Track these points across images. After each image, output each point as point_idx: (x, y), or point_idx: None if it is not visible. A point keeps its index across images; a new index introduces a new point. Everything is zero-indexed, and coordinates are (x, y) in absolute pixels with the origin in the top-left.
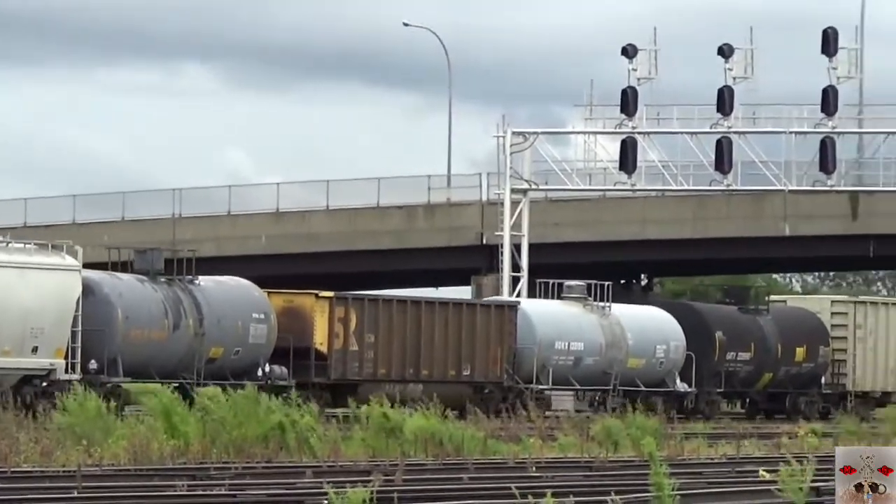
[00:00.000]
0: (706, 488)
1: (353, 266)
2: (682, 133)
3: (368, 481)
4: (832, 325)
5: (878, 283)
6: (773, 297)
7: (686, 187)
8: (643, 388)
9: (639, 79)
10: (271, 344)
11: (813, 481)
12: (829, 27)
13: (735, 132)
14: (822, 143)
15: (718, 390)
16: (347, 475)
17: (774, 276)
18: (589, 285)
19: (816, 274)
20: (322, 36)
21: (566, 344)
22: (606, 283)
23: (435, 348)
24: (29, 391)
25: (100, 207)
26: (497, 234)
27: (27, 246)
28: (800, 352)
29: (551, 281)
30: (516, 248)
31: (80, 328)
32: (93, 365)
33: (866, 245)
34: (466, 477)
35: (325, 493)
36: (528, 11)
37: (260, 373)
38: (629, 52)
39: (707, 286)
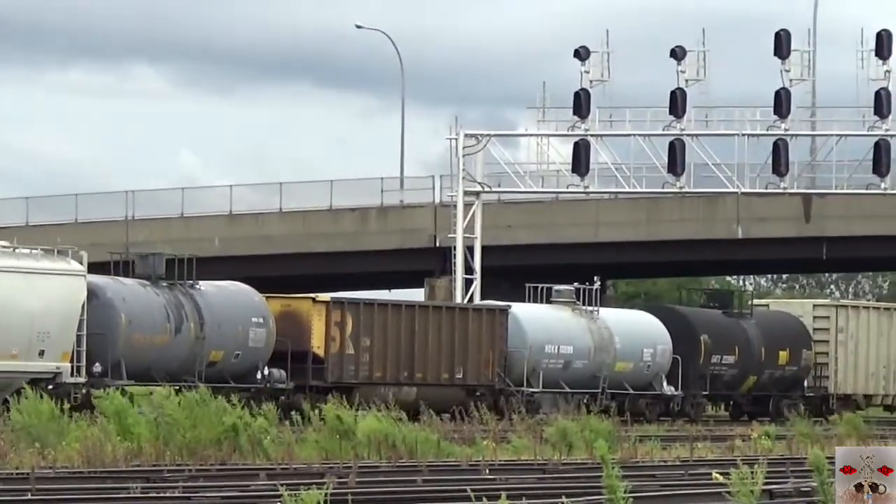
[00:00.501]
0: (659, 491)
1: (306, 268)
2: (634, 135)
3: (322, 483)
4: (814, 329)
5: (832, 286)
6: (756, 301)
7: (639, 190)
8: (631, 391)
9: (591, 81)
10: (270, 347)
11: (766, 484)
12: (782, 29)
13: (688, 134)
14: (775, 145)
15: (704, 393)
16: (301, 477)
17: (728, 278)
18: (578, 289)
19: (769, 276)
20: (274, 38)
21: (556, 347)
22: (594, 286)
23: (428, 352)
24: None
25: (52, 210)
26: (450, 236)
27: (33, 251)
28: (783, 355)
29: (540, 285)
30: (469, 250)
31: (85, 332)
32: (97, 368)
33: (819, 247)
34: (420, 479)
35: (280, 496)
36: (480, 14)
37: (259, 376)
38: (582, 54)
39: (691, 290)
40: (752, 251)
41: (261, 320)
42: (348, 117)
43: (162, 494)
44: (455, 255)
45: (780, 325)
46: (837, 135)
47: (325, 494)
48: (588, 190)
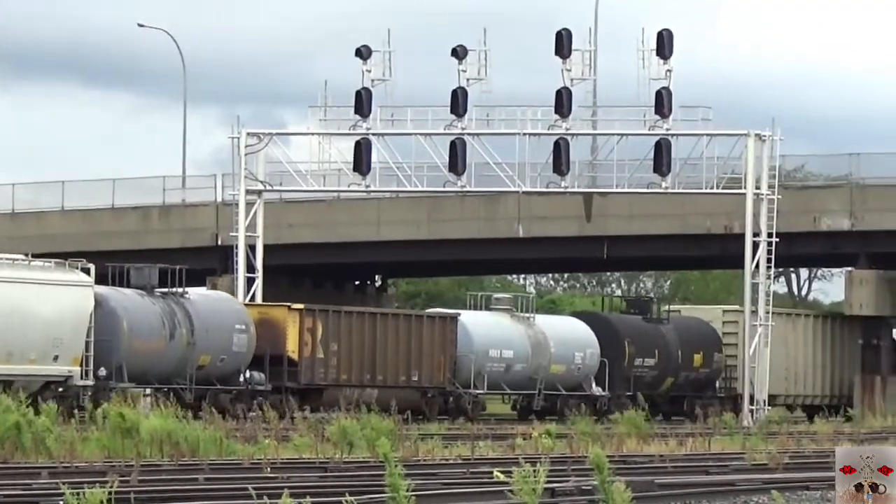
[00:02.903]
0: (441, 489)
1: None
2: (415, 134)
3: (105, 482)
4: (724, 333)
5: (613, 285)
6: (671, 307)
7: (420, 189)
8: (563, 392)
9: (373, 80)
10: (251, 352)
11: (547, 482)
12: (563, 29)
13: (469, 133)
14: (556, 144)
15: (628, 393)
16: (83, 476)
17: (509, 277)
18: (515, 297)
19: (551, 276)
20: (51, 36)
21: (499, 352)
22: (530, 295)
23: (388, 356)
24: (48, 396)
25: None
26: (232, 234)
27: (46, 263)
28: (697, 358)
29: (480, 294)
30: (251, 248)
31: (93, 338)
32: (102, 372)
33: (600, 246)
34: (202, 478)
35: (62, 494)
36: (259, 13)
37: (241, 378)
38: (363, 53)
39: (612, 297)
40: (534, 250)
41: (243, 327)
42: (129, 116)
43: None
44: (237, 253)
45: (694, 330)
46: (618, 134)
47: (109, 493)
48: (369, 189)
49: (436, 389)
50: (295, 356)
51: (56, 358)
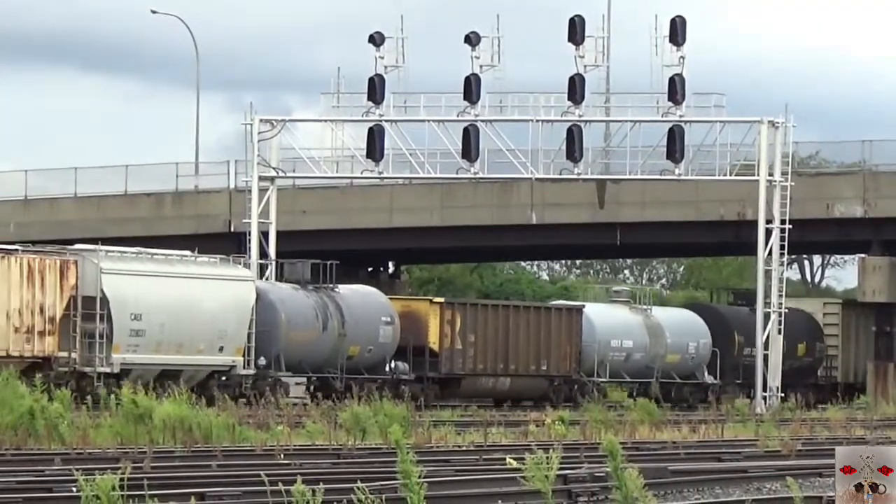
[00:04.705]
0: (454, 476)
1: None
2: (428, 121)
3: (118, 468)
4: (824, 325)
5: (626, 271)
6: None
7: (433, 175)
8: (678, 381)
9: (386, 67)
10: (396, 343)
11: (560, 468)
12: (576, 15)
13: (482, 120)
14: (569, 131)
15: (738, 381)
16: (96, 462)
17: (522, 264)
18: (633, 291)
19: (564, 262)
20: (55, 22)
21: (620, 342)
22: (648, 287)
23: (520, 346)
24: (213, 384)
25: None
26: (245, 221)
27: (210, 259)
28: (801, 348)
29: (598, 286)
30: (264, 235)
31: (254, 330)
32: (262, 361)
33: (613, 233)
34: (215, 464)
35: (75, 480)
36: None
37: (387, 368)
38: (376, 39)
39: (719, 290)
40: (547, 237)
41: (389, 319)
42: (141, 102)
43: None
44: (250, 240)
45: (797, 321)
46: (631, 121)
47: (122, 479)
48: (382, 175)
49: (562, 378)
50: (436, 347)
51: (221, 348)
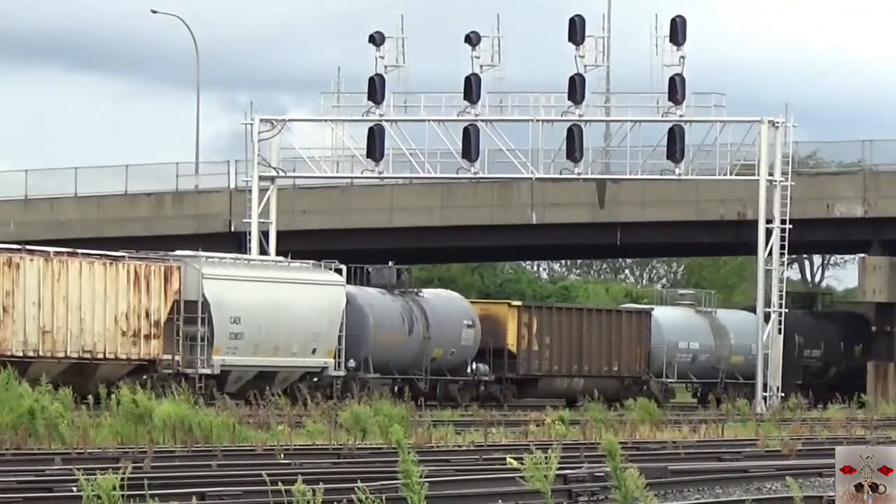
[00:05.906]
0: (454, 476)
1: None
2: (428, 121)
3: (118, 468)
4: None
5: (626, 271)
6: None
7: (433, 175)
8: (742, 381)
9: (386, 66)
10: (477, 345)
11: (560, 468)
12: (577, 15)
13: (482, 120)
14: (569, 131)
15: (798, 382)
16: (97, 462)
17: (523, 263)
18: (697, 294)
19: (564, 262)
20: (53, 21)
21: (686, 344)
22: (711, 290)
23: (592, 348)
24: (304, 385)
25: None
26: (245, 221)
27: (302, 264)
28: (857, 349)
29: (666, 290)
30: (264, 235)
31: (345, 333)
32: (351, 363)
33: (613, 233)
34: (215, 464)
35: (75, 480)
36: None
37: (469, 370)
38: (376, 39)
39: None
40: (547, 237)
41: (470, 322)
42: (122, 101)
43: None
44: (250, 240)
45: (854, 323)
46: (632, 121)
47: (122, 479)
48: (382, 175)
49: (632, 379)
50: (514, 349)
51: (314, 351)
